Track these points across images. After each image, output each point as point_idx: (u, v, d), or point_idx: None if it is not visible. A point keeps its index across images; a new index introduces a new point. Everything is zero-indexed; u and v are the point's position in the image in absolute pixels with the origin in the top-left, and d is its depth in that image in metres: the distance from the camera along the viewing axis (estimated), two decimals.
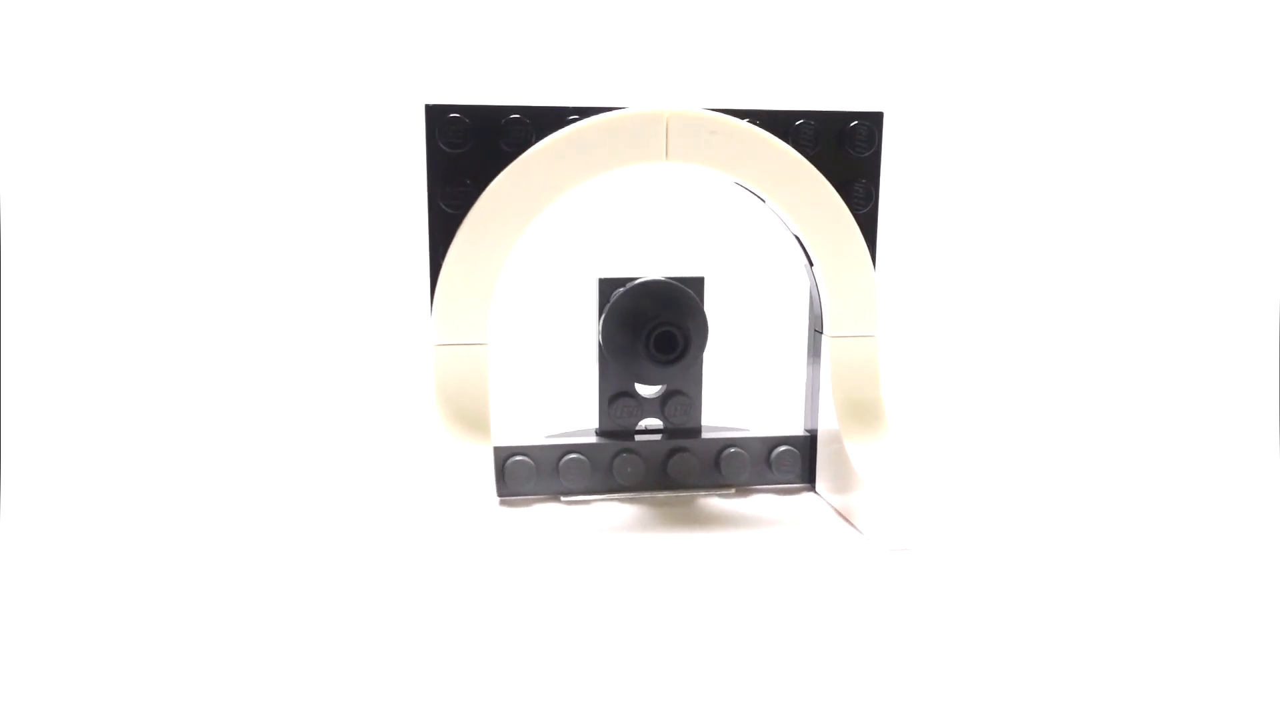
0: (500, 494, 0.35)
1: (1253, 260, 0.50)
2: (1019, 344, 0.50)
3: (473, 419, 0.33)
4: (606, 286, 0.35)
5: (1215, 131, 0.50)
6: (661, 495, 0.35)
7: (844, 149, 0.34)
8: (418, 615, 0.26)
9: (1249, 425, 0.43)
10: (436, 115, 0.32)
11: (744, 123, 0.33)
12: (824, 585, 0.29)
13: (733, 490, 0.36)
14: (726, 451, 0.36)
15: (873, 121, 0.34)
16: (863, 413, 0.35)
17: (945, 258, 0.50)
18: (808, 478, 0.36)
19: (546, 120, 0.32)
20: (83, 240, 0.45)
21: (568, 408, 0.38)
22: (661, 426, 0.36)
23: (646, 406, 0.36)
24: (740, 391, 0.42)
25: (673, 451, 0.35)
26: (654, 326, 0.33)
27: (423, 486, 0.31)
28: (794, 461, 0.36)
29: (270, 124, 0.45)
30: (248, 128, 0.45)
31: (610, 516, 0.34)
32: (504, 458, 0.35)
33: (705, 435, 0.36)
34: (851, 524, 0.33)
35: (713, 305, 0.37)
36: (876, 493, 0.32)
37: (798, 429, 0.37)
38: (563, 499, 0.35)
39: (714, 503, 0.35)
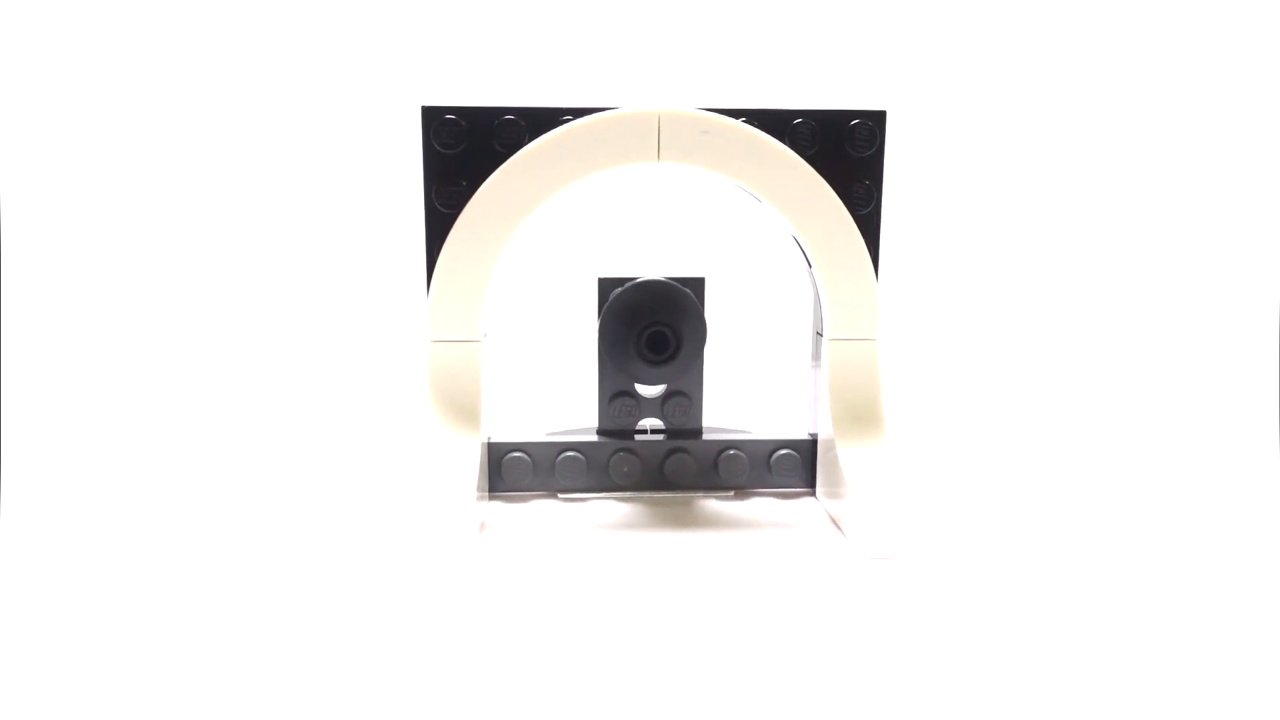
0: (498, 489, 0.35)
1: (1260, 266, 0.48)
2: (1028, 350, 0.48)
3: (463, 413, 0.33)
4: (606, 286, 0.35)
5: (1225, 133, 0.48)
6: (658, 496, 0.35)
7: (844, 149, 0.33)
8: (380, 606, 0.27)
9: (1252, 441, 0.42)
10: (432, 116, 0.32)
11: (737, 122, 0.32)
12: (793, 590, 0.28)
13: (731, 493, 0.36)
14: (725, 454, 0.35)
15: (874, 120, 0.33)
16: (860, 417, 0.34)
17: (954, 260, 0.49)
18: (809, 482, 0.36)
19: (540, 121, 0.32)
20: (85, 240, 0.47)
21: (577, 406, 0.39)
22: (662, 427, 0.36)
23: (646, 406, 0.36)
24: (749, 394, 0.41)
25: (671, 452, 0.35)
26: (646, 326, 0.33)
27: (406, 477, 0.32)
28: (794, 465, 0.36)
29: (274, 128, 0.47)
30: (251, 131, 0.47)
31: (600, 515, 0.34)
32: (502, 454, 0.35)
33: (706, 437, 0.36)
34: (841, 530, 0.32)
35: (724, 306, 0.37)
36: (862, 499, 0.31)
37: (801, 432, 0.36)
38: (560, 496, 0.35)
39: (708, 505, 0.35)
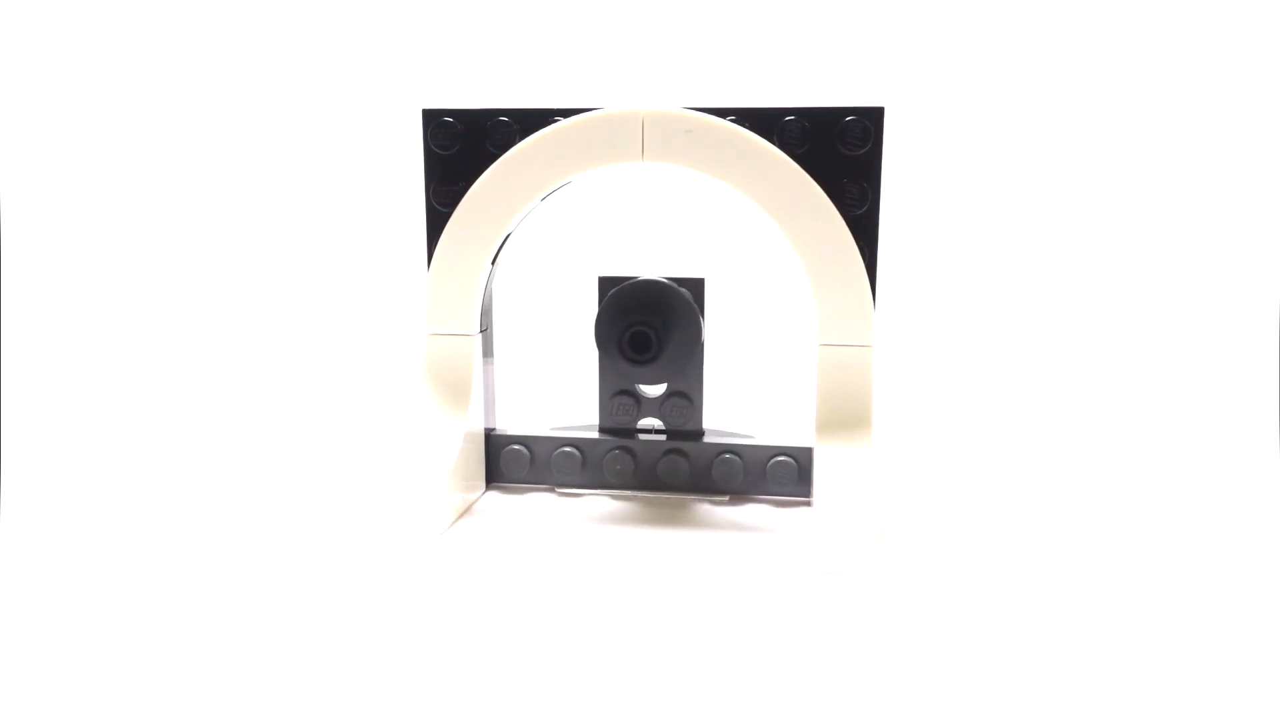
0: (497, 481, 0.36)
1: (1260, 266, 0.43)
2: (1034, 360, 0.45)
3: (454, 404, 0.34)
4: (606, 285, 0.35)
5: (1227, 131, 0.43)
6: (652, 496, 0.35)
7: (836, 147, 0.32)
8: (336, 584, 0.28)
9: (1254, 456, 0.38)
10: (431, 119, 0.34)
11: (722, 121, 0.32)
12: (741, 597, 0.28)
13: (726, 498, 0.35)
14: (720, 458, 0.35)
15: (869, 117, 0.32)
16: (848, 427, 0.32)
17: (962, 264, 0.45)
18: (807, 491, 0.35)
19: (532, 122, 0.33)
20: (105, 242, 0.51)
21: (589, 404, 0.39)
22: (663, 427, 0.36)
23: (647, 406, 0.36)
24: (763, 398, 0.41)
25: (666, 453, 0.35)
26: (629, 325, 0.33)
27: (385, 463, 0.34)
28: (790, 473, 0.35)
29: (292, 134, 0.50)
30: (270, 136, 0.50)
31: (586, 512, 0.34)
32: (501, 446, 0.36)
33: (707, 440, 0.35)
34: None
35: (740, 309, 0.36)
36: (829, 511, 0.30)
37: (805, 440, 0.35)
38: (557, 491, 0.36)
39: (698, 508, 0.34)
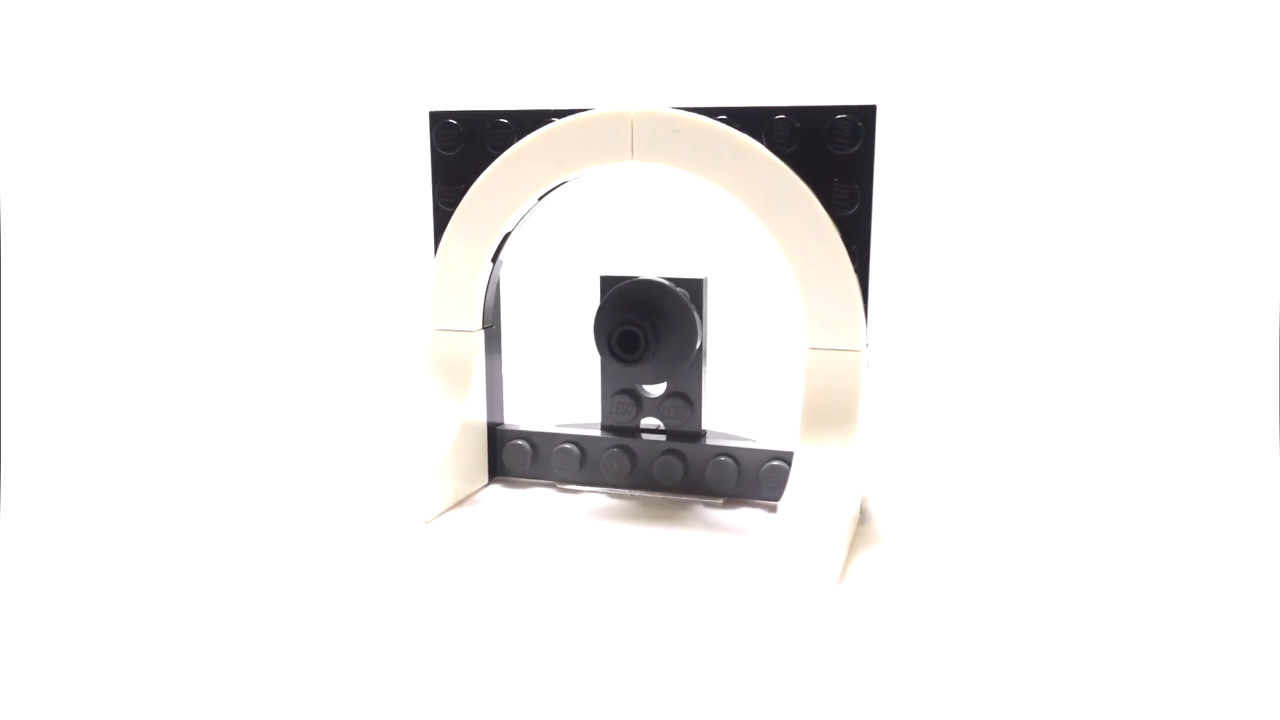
0: (500, 474, 0.37)
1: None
2: (1033, 369, 0.42)
3: (453, 398, 0.35)
4: (606, 284, 0.36)
5: (1227, 130, 0.39)
6: (649, 496, 0.35)
7: (825, 146, 0.31)
8: (312, 566, 0.30)
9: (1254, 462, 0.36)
10: (436, 120, 0.35)
11: (710, 120, 0.32)
12: (693, 602, 0.27)
13: (720, 501, 0.35)
14: (714, 460, 0.35)
15: (860, 116, 0.31)
16: (830, 433, 0.32)
17: (959, 265, 0.42)
18: None
19: (529, 123, 0.34)
20: (128, 241, 0.53)
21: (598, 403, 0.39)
22: (663, 427, 0.36)
23: (647, 406, 0.36)
24: (775, 401, 0.40)
25: (662, 454, 0.35)
26: (618, 325, 0.34)
27: (377, 453, 0.35)
28: (783, 478, 0.34)
29: (317, 136, 0.51)
30: (294, 141, 0.52)
31: (580, 508, 0.34)
32: (505, 441, 0.37)
33: (708, 441, 0.35)
34: None
35: (753, 312, 0.36)
36: (791, 517, 0.29)
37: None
38: (559, 487, 0.36)
39: (691, 510, 0.34)
